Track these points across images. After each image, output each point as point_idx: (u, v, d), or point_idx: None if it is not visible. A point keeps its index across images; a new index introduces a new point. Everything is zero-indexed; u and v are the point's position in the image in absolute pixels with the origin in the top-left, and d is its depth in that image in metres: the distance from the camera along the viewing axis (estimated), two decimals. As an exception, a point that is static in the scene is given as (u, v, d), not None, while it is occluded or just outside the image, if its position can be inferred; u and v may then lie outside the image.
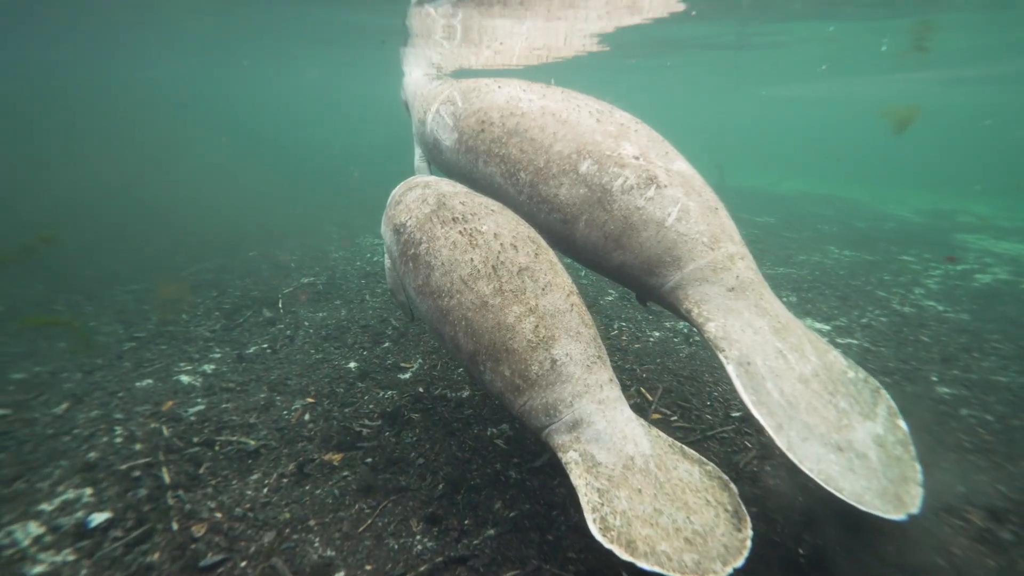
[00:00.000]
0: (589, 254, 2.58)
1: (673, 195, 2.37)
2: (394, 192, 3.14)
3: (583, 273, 6.58)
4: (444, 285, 2.30)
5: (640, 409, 3.38)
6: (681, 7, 7.99)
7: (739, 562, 1.70)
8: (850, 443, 1.98)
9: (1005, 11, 8.80)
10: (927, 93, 23.40)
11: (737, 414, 3.33)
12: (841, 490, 1.83)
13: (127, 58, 17.64)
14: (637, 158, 2.45)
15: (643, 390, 3.62)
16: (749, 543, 1.77)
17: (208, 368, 4.16)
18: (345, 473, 2.75)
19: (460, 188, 2.80)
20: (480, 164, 2.90)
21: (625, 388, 3.66)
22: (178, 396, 3.66)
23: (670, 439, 2.15)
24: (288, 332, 4.90)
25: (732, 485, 1.99)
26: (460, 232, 2.37)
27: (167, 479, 2.70)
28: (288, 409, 3.43)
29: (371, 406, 3.44)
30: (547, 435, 2.07)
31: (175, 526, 2.38)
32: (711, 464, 2.08)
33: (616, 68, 14.93)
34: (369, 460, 2.85)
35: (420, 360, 4.14)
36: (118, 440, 3.09)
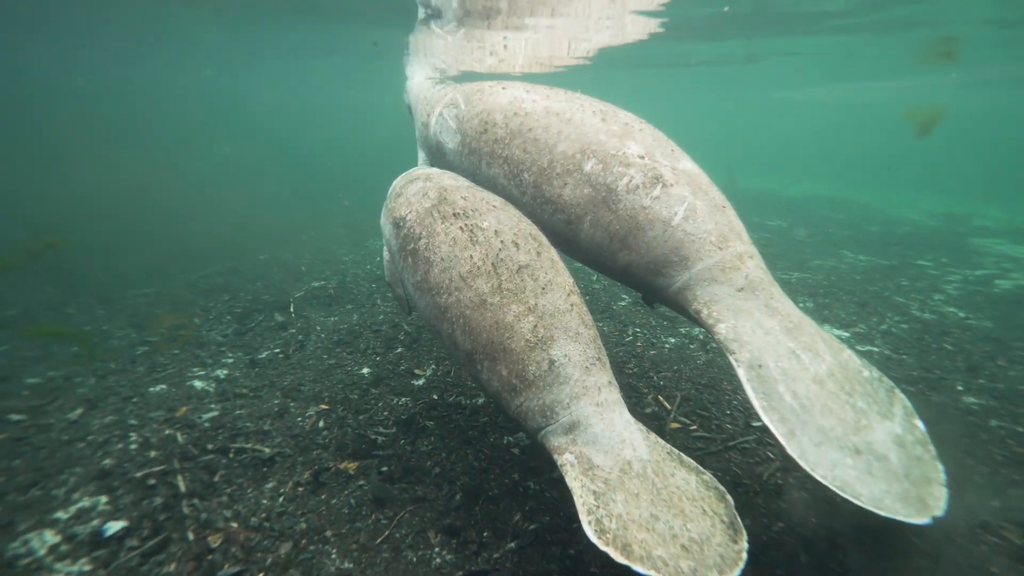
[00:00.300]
0: (594, 255, 2.53)
1: (679, 194, 2.33)
2: (395, 183, 3.08)
3: (595, 277, 6.52)
4: (443, 282, 2.26)
5: (658, 418, 3.32)
6: (661, 29, 7.95)
7: (735, 573, 1.67)
8: (869, 444, 1.90)
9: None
10: (940, 96, 23.14)
11: (758, 424, 3.26)
12: (859, 496, 1.75)
13: (139, 62, 17.84)
14: (642, 157, 2.41)
15: (661, 398, 3.56)
16: (745, 555, 1.74)
17: (221, 373, 4.14)
18: (361, 482, 2.71)
19: (462, 182, 2.76)
20: (483, 166, 2.88)
21: (642, 396, 3.60)
22: (192, 402, 3.65)
23: (668, 445, 2.11)
24: (300, 337, 4.88)
25: (728, 496, 1.95)
26: (461, 228, 2.33)
27: (182, 487, 2.67)
28: (302, 416, 3.40)
29: (385, 413, 3.41)
30: (543, 436, 2.04)
31: (191, 536, 2.35)
32: (708, 473, 2.03)
33: (622, 71, 14.93)
34: (385, 469, 2.81)
35: (433, 366, 4.10)
36: (133, 447, 3.07)
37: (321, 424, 3.29)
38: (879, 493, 1.77)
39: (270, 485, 2.71)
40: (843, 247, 9.03)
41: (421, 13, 7.17)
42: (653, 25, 8.02)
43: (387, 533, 2.37)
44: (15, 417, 3.48)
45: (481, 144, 2.86)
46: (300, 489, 2.67)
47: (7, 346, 4.84)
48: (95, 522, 2.45)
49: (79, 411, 3.56)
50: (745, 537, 1.81)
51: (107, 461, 2.93)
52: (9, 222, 10.38)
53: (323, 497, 2.61)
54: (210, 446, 3.05)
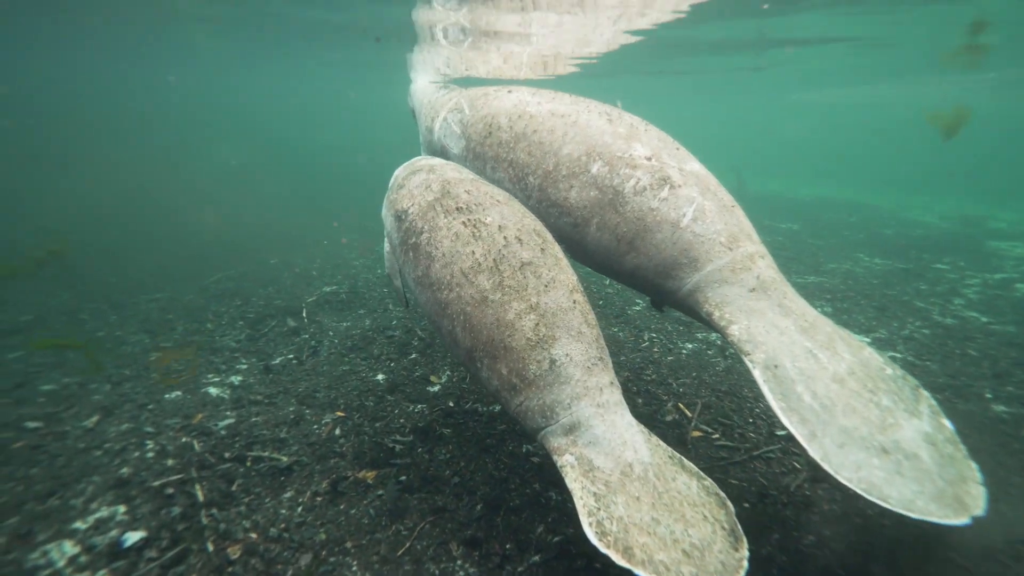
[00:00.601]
0: (601, 258, 2.49)
1: (688, 195, 2.28)
2: (397, 173, 3.02)
3: (608, 282, 6.47)
4: (444, 277, 2.22)
5: (679, 426, 3.26)
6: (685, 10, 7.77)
7: None
8: (897, 443, 1.81)
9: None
10: (942, 97, 22.84)
11: (783, 432, 3.19)
12: (887, 498, 1.66)
13: (147, 64, 18.00)
14: (649, 159, 2.37)
15: (681, 405, 3.50)
16: (746, 564, 1.70)
17: (235, 380, 4.13)
18: (380, 492, 2.67)
19: (466, 174, 2.71)
20: (488, 170, 2.85)
21: (662, 403, 3.54)
22: (207, 409, 3.63)
23: (670, 449, 2.06)
24: (313, 343, 4.86)
25: (729, 504, 1.91)
26: (463, 223, 2.29)
27: (200, 497, 2.64)
28: (318, 423, 3.36)
29: (401, 420, 3.37)
30: (543, 437, 2.00)
31: (210, 547, 2.31)
32: (709, 479, 1.99)
33: (629, 74, 14.88)
34: (403, 478, 2.77)
35: (449, 372, 4.06)
36: (150, 455, 3.05)
37: (337, 432, 3.26)
38: (910, 494, 1.68)
39: (288, 494, 2.68)
40: (857, 250, 8.91)
41: None
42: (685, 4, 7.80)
43: (408, 545, 2.33)
44: (31, 424, 3.48)
45: (486, 148, 2.83)
46: (319, 499, 2.64)
47: (22, 352, 4.85)
48: (114, 532, 2.42)
49: (95, 418, 3.55)
50: (746, 545, 1.77)
51: (124, 470, 2.91)
52: (17, 226, 10.48)
53: (342, 507, 2.58)
54: (227, 454, 3.02)
